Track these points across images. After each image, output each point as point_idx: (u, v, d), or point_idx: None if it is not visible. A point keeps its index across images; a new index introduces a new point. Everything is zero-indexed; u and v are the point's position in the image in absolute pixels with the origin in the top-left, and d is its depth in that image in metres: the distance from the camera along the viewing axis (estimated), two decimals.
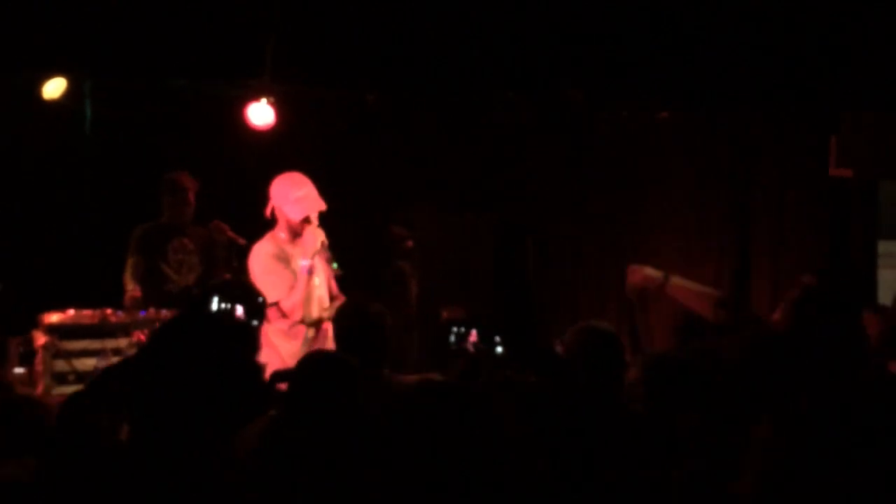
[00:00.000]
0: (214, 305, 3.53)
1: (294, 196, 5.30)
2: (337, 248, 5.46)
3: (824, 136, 7.07)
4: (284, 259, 5.28)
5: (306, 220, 5.27)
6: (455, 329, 3.21)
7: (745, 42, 6.56)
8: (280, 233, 5.36)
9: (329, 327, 5.19)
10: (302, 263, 5.19)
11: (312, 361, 3.18)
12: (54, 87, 6.25)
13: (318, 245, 5.21)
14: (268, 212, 5.37)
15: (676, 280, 4.33)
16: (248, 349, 3.20)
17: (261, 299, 3.98)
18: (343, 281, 5.47)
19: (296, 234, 5.31)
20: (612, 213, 7.61)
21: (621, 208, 7.59)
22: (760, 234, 7.55)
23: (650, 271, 4.37)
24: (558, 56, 6.62)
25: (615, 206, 7.59)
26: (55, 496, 2.58)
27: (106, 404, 2.74)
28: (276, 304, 5.20)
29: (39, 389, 4.98)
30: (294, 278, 5.23)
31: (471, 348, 3.14)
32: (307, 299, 5.28)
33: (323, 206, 5.31)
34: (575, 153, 7.55)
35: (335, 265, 5.28)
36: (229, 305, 3.56)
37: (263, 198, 5.40)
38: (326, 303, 5.39)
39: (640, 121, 7.46)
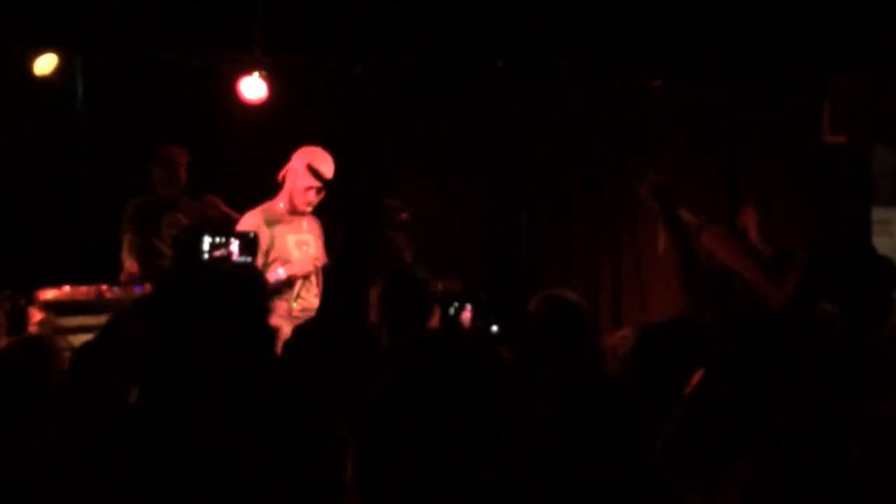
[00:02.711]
0: (206, 245, 3.40)
1: (315, 165, 4.95)
2: (330, 221, 5.44)
3: (816, 103, 7.06)
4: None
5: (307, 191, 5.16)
6: (453, 303, 3.19)
7: (735, 7, 6.53)
8: (280, 202, 5.28)
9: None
10: (279, 272, 5.11)
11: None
12: (45, 64, 6.22)
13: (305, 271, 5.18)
14: (281, 175, 5.24)
15: None
16: (253, 290, 3.12)
17: (252, 234, 3.79)
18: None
19: (294, 209, 5.26)
20: (603, 185, 7.59)
21: (612, 179, 7.56)
22: (752, 203, 7.54)
23: None
24: (549, 24, 6.59)
25: (606, 178, 7.57)
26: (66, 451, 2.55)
27: (116, 356, 2.70)
28: None
29: None
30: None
31: (467, 324, 3.12)
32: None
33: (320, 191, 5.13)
34: (566, 123, 7.52)
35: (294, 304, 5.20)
36: (223, 240, 3.44)
37: (257, 172, 5.36)
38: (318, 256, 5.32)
39: (631, 90, 7.43)
